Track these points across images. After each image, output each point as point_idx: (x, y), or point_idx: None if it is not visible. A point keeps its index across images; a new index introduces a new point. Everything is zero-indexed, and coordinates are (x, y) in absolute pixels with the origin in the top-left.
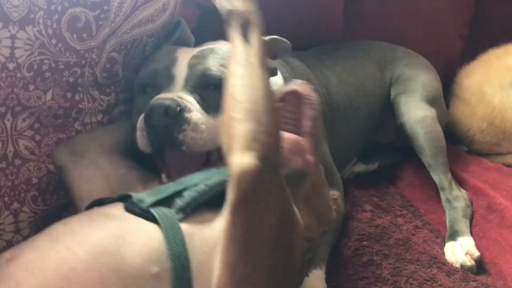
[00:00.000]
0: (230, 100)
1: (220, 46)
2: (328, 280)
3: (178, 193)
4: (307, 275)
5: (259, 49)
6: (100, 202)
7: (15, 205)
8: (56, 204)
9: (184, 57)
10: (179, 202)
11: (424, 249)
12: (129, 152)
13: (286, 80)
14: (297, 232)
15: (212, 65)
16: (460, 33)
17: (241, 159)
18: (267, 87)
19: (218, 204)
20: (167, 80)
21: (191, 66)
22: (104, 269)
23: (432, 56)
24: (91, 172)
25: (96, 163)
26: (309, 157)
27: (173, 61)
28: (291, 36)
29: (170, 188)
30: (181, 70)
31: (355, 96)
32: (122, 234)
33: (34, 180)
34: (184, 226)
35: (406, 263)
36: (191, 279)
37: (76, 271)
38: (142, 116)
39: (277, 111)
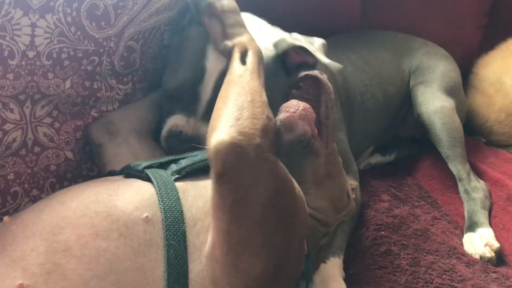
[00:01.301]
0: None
1: None
2: (346, 268)
3: (175, 161)
4: (325, 262)
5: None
6: (111, 172)
7: (35, 192)
8: None
9: (212, 71)
10: (174, 166)
11: (442, 240)
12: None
13: None
14: (297, 204)
15: None
16: (478, 23)
17: (219, 135)
18: (256, 85)
19: None
20: (192, 100)
21: (216, 89)
22: (95, 215)
23: (449, 46)
24: (123, 150)
25: (128, 141)
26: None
27: (201, 76)
28: (308, 26)
29: (169, 157)
30: (206, 91)
31: (370, 84)
32: (114, 188)
33: (53, 167)
34: (178, 184)
35: (424, 254)
36: (184, 231)
37: (67, 219)
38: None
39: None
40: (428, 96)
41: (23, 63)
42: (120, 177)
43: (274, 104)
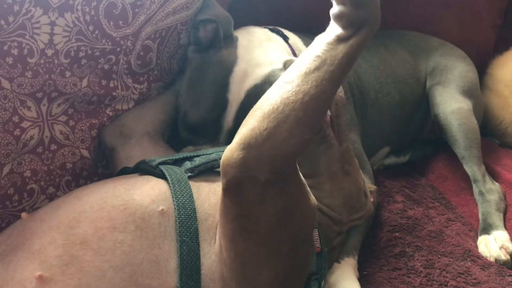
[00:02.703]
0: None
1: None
2: (360, 269)
3: (190, 158)
4: (339, 262)
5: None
6: (122, 172)
7: (51, 189)
8: None
9: (234, 102)
10: (188, 164)
11: (457, 242)
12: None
13: None
14: (306, 220)
15: None
16: (493, 23)
17: (231, 150)
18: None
19: None
20: (214, 131)
21: (237, 119)
22: (112, 208)
23: (464, 47)
24: (136, 153)
25: (141, 144)
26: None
27: (223, 108)
28: (323, 25)
29: (184, 154)
30: (228, 122)
31: (385, 82)
32: (131, 183)
33: (69, 165)
34: (192, 181)
35: (439, 256)
36: (197, 227)
37: (85, 213)
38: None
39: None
40: (445, 97)
41: (42, 61)
42: (135, 174)
43: None
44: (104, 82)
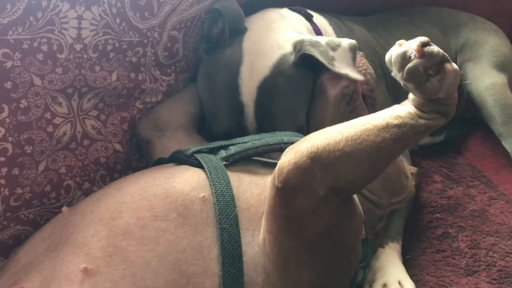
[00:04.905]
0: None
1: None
2: (403, 253)
3: (224, 147)
4: (383, 247)
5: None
6: (158, 162)
7: (86, 185)
8: None
9: (249, 103)
10: (223, 152)
11: (502, 221)
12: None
13: None
14: (355, 231)
15: (281, 125)
16: None
17: (298, 152)
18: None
19: (270, 165)
20: (240, 134)
21: (258, 118)
22: (153, 197)
23: (496, 19)
24: (172, 145)
25: (176, 136)
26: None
27: (241, 112)
28: (349, 4)
29: (218, 142)
30: (250, 123)
31: None
32: (170, 172)
33: (102, 160)
34: (230, 170)
35: (484, 235)
36: (237, 215)
37: (126, 204)
38: None
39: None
40: (477, 73)
41: (71, 56)
42: (172, 164)
43: (299, 112)
44: (132, 75)
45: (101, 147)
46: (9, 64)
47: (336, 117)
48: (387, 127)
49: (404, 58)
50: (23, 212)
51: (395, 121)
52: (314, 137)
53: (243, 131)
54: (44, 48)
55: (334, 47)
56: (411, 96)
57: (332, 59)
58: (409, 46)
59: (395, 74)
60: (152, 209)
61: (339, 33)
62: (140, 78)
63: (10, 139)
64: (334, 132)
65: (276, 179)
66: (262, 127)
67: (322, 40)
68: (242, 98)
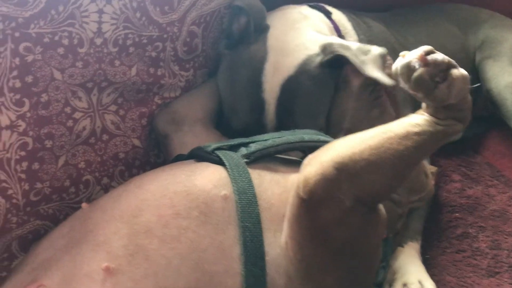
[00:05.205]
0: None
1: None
2: (422, 253)
3: (245, 145)
4: (402, 246)
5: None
6: (177, 159)
7: (105, 180)
8: None
9: (271, 100)
10: (243, 150)
11: None
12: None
13: (361, 40)
14: (379, 236)
15: (302, 125)
16: None
17: (323, 164)
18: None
19: (290, 163)
20: (259, 131)
21: (278, 116)
22: (174, 195)
23: None
24: (189, 139)
25: (193, 130)
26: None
27: (262, 108)
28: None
29: (238, 139)
30: (270, 120)
31: None
32: (191, 169)
33: (121, 155)
34: (252, 167)
35: (505, 236)
36: (259, 214)
37: (147, 201)
38: None
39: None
40: (497, 71)
41: (92, 50)
42: (192, 160)
43: (321, 113)
44: (152, 70)
45: (120, 142)
46: (30, 58)
47: (360, 106)
48: (407, 135)
49: (409, 69)
50: (42, 207)
51: (415, 129)
52: (337, 145)
53: (262, 128)
54: (65, 42)
55: (365, 52)
56: (424, 104)
57: (363, 62)
58: (412, 56)
59: (403, 85)
60: (174, 207)
61: (358, 29)
62: (159, 73)
63: (31, 133)
64: (357, 141)
65: (301, 190)
66: (282, 125)
67: (352, 44)
68: (264, 95)
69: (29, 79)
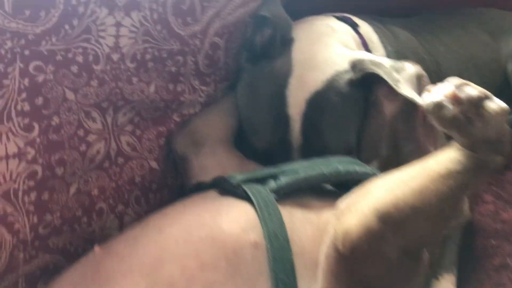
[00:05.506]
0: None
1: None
2: (458, 285)
3: (274, 176)
4: (437, 278)
5: None
6: (198, 187)
7: (120, 207)
8: (160, 203)
9: (296, 116)
10: (273, 184)
11: None
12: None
13: (388, 52)
14: (421, 276)
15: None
16: None
17: (364, 215)
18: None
19: (323, 194)
20: (285, 151)
21: (305, 133)
22: (199, 241)
23: None
24: (210, 162)
25: (214, 152)
26: None
27: (286, 125)
28: (391, 3)
29: (266, 170)
30: (295, 138)
31: (465, 68)
32: (216, 208)
33: (137, 179)
34: (282, 205)
35: None
36: (293, 261)
37: (169, 249)
38: None
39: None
40: None
41: (108, 67)
42: (215, 193)
43: (350, 132)
44: (171, 86)
45: (136, 165)
46: (41, 77)
47: (395, 132)
48: (450, 174)
49: (439, 108)
50: (52, 240)
51: (457, 167)
52: (376, 189)
53: (286, 147)
54: (79, 59)
55: (399, 70)
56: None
57: (397, 81)
58: (442, 93)
59: (434, 123)
60: (198, 257)
61: (384, 40)
62: (179, 89)
63: (41, 160)
64: (398, 183)
65: (341, 243)
66: (308, 143)
67: (385, 61)
68: (288, 111)
69: (40, 101)
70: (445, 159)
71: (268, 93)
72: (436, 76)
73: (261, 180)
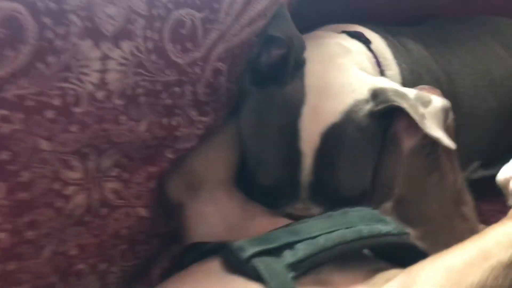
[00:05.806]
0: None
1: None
2: None
3: (289, 245)
4: None
5: None
6: (198, 246)
7: (103, 266)
8: (147, 255)
9: (308, 151)
10: (289, 257)
11: None
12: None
13: (403, 70)
14: None
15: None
16: None
17: None
18: None
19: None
20: (291, 189)
21: (316, 170)
22: None
23: None
24: (208, 208)
25: (213, 197)
26: None
27: (297, 161)
28: (402, 9)
29: (280, 236)
30: (305, 174)
31: (481, 85)
32: None
33: (123, 232)
34: (301, 284)
35: None
36: None
37: None
38: None
39: None
40: None
41: (91, 108)
42: (219, 265)
43: (367, 172)
44: (165, 121)
45: (122, 215)
46: (7, 129)
47: (414, 170)
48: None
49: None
50: None
51: None
52: (427, 280)
53: (294, 185)
54: (56, 102)
55: (425, 103)
56: None
57: (422, 116)
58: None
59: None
60: None
61: (397, 56)
62: (173, 123)
63: (7, 226)
64: (451, 273)
65: None
66: (320, 182)
67: (409, 92)
68: (300, 145)
69: (5, 155)
70: (507, 241)
71: (278, 124)
72: (450, 95)
73: (275, 251)
